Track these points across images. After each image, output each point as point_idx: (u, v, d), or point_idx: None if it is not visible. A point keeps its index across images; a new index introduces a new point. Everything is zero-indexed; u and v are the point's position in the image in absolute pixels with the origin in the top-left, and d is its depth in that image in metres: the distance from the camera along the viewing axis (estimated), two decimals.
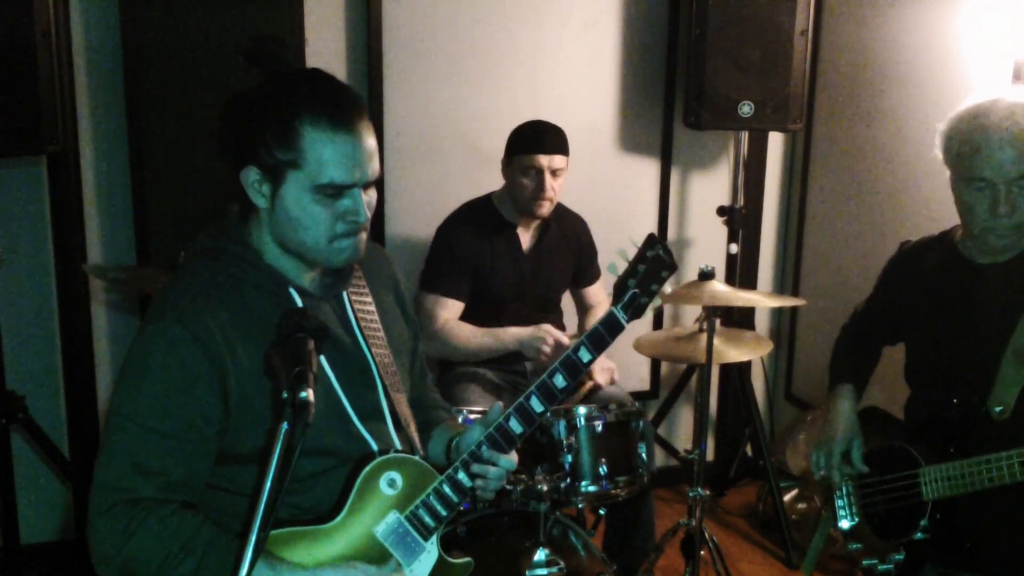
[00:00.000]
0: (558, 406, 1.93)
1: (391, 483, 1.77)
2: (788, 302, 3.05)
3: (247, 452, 1.70)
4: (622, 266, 1.86)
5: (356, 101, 1.69)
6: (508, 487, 2.50)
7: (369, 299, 1.90)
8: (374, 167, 1.70)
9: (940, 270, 2.27)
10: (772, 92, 3.53)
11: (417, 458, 1.83)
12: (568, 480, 2.65)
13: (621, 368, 3.30)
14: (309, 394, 1.44)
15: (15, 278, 3.30)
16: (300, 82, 1.71)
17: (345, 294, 1.85)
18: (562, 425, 2.66)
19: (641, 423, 2.83)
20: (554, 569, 2.39)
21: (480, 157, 3.64)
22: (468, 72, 3.66)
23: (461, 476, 1.81)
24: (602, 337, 1.84)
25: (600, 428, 2.73)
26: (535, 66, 3.74)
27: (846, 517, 2.39)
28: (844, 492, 2.40)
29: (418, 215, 3.63)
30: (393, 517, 1.77)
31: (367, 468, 1.75)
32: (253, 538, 1.39)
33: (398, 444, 1.86)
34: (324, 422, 1.72)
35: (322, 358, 1.74)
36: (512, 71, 3.71)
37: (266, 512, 1.38)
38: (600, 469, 2.69)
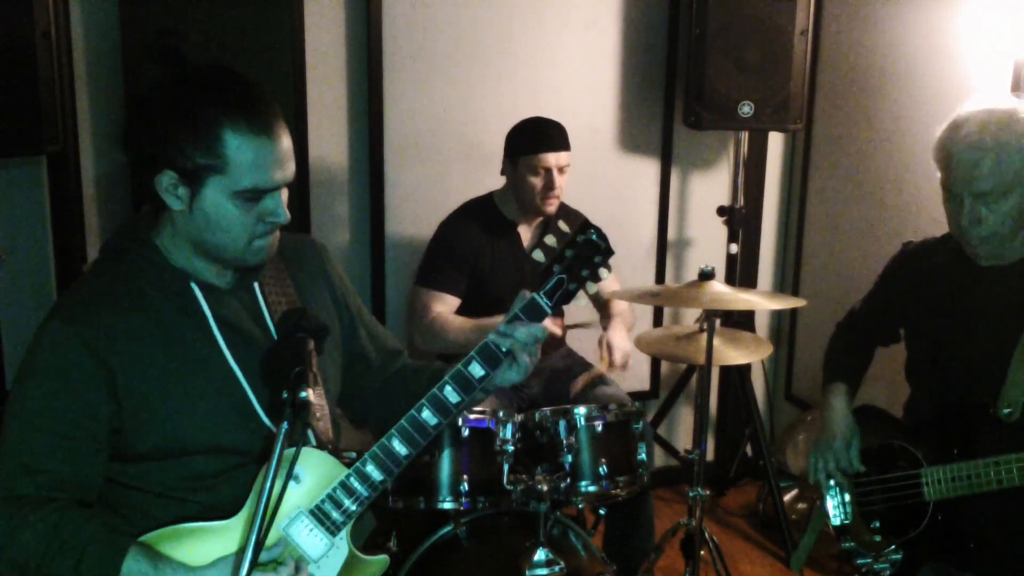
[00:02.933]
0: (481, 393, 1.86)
1: (294, 478, 1.71)
2: (788, 303, 3.04)
3: (149, 450, 1.71)
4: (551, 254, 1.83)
5: (270, 102, 1.70)
6: (508, 487, 2.50)
7: (290, 290, 1.88)
8: (292, 168, 1.72)
9: (945, 271, 2.27)
10: (772, 92, 3.53)
11: (322, 452, 1.75)
12: (568, 480, 2.65)
13: None
14: (309, 394, 1.44)
15: (15, 278, 3.30)
16: (214, 84, 1.70)
17: (257, 285, 1.83)
18: (562, 425, 2.65)
19: (641, 423, 2.83)
20: (554, 569, 2.38)
21: (480, 157, 3.64)
22: (468, 72, 3.66)
23: (369, 468, 1.75)
24: (520, 320, 1.80)
25: (600, 428, 2.73)
26: (535, 66, 3.74)
27: (839, 515, 2.39)
28: (837, 490, 2.40)
29: (417, 214, 3.63)
30: (296, 512, 1.73)
31: (267, 464, 1.71)
32: (253, 537, 1.39)
33: (312, 439, 1.79)
34: (225, 418, 1.72)
35: (226, 351, 1.74)
36: (512, 71, 3.71)
37: (265, 512, 1.38)
38: (600, 469, 2.68)
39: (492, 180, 3.31)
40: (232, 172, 1.64)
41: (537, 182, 3.09)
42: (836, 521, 2.39)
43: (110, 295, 1.72)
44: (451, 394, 1.79)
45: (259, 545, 1.40)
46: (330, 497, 1.74)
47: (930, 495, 2.19)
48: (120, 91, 3.28)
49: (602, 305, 3.47)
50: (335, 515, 1.74)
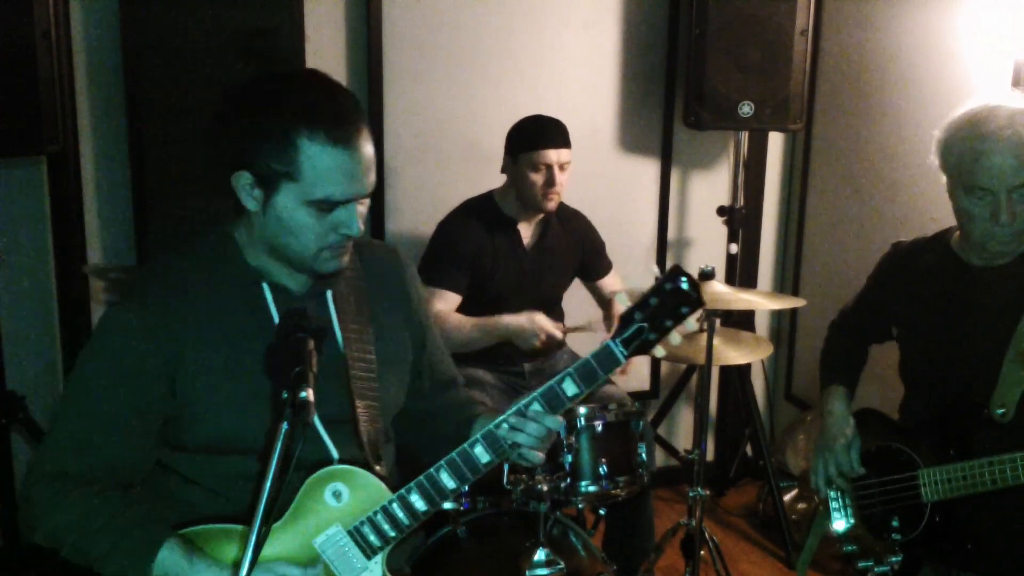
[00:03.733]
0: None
1: (336, 495, 1.70)
2: (788, 303, 3.04)
3: (198, 443, 1.71)
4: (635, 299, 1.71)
5: (355, 111, 1.66)
6: (508, 487, 2.50)
7: (364, 301, 1.86)
8: (371, 180, 1.67)
9: (936, 272, 2.26)
10: (772, 92, 3.53)
11: (368, 473, 1.72)
12: (568, 480, 2.65)
13: None
14: (309, 394, 1.44)
15: (15, 278, 3.30)
16: (298, 89, 1.67)
17: (329, 294, 1.81)
18: (562, 425, 2.65)
19: (641, 423, 2.83)
20: (554, 569, 2.39)
21: (480, 155, 3.64)
22: (468, 72, 3.66)
23: (414, 498, 1.71)
24: (593, 371, 1.69)
25: (600, 428, 2.73)
26: (535, 66, 3.74)
27: (841, 518, 2.39)
28: (839, 493, 2.40)
29: (418, 214, 3.63)
30: (335, 530, 1.70)
31: (312, 476, 1.69)
32: (253, 537, 1.40)
33: (365, 457, 1.77)
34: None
35: None
36: (512, 71, 3.71)
37: (265, 512, 1.38)
38: (600, 469, 2.69)
39: (492, 179, 3.31)
40: (306, 181, 1.61)
41: (538, 179, 3.10)
42: (838, 524, 2.39)
43: (179, 284, 1.72)
44: (482, 454, 1.72)
45: (258, 546, 1.40)
46: (370, 520, 1.70)
47: (928, 496, 2.18)
48: (120, 91, 3.28)
49: (606, 304, 3.48)
50: (373, 539, 1.71)
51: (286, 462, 1.42)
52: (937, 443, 2.20)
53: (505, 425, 1.71)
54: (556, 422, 1.73)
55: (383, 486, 1.71)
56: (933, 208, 3.27)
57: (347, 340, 1.80)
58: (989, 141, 2.03)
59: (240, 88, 1.69)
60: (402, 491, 1.71)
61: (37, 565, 3.42)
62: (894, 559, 2.25)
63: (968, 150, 2.06)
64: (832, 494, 2.39)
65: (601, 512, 3.13)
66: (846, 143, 3.83)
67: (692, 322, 1.68)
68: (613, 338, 1.69)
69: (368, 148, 1.66)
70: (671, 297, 1.66)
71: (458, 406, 2.03)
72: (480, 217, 3.21)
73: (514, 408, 1.71)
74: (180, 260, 1.77)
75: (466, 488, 1.76)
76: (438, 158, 3.68)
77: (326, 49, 3.45)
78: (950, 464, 2.14)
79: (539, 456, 1.78)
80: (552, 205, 3.14)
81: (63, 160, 3.21)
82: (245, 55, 3.34)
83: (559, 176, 3.10)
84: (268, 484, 1.39)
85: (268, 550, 1.65)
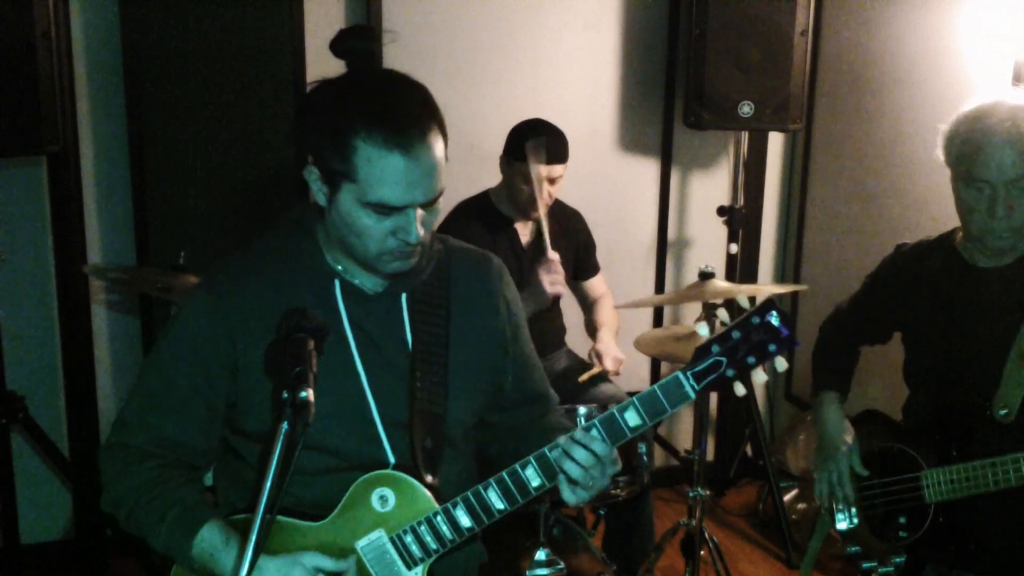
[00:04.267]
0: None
1: (382, 499, 1.69)
2: (789, 288, 2.96)
3: (252, 431, 1.71)
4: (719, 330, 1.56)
5: (420, 113, 1.62)
6: None
7: (442, 306, 1.81)
8: (432, 186, 1.62)
9: (941, 273, 2.26)
10: (772, 92, 3.53)
11: (416, 482, 1.69)
12: None
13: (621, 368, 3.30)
14: (309, 394, 1.44)
15: (15, 278, 3.30)
16: (364, 88, 1.65)
17: (404, 297, 1.77)
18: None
19: None
20: (554, 569, 2.39)
21: (480, 157, 3.63)
22: (468, 72, 3.66)
23: (459, 512, 1.68)
24: (659, 403, 1.58)
25: None
26: (535, 66, 3.74)
27: (844, 519, 2.38)
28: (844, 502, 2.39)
29: None
30: (377, 534, 1.69)
31: (361, 478, 1.69)
32: (253, 537, 1.39)
33: (417, 465, 1.74)
34: (338, 419, 1.69)
35: (355, 354, 1.71)
36: (512, 71, 3.71)
37: (265, 511, 1.38)
38: None
39: (492, 179, 3.31)
40: (362, 182, 1.59)
41: (526, 189, 3.10)
42: (842, 526, 2.39)
43: (256, 273, 1.73)
44: (533, 477, 1.65)
45: (258, 547, 1.39)
46: (413, 530, 1.68)
47: (930, 497, 2.18)
48: (120, 91, 3.29)
49: (588, 307, 3.48)
50: (414, 549, 1.69)
51: (286, 463, 1.41)
52: (939, 444, 2.20)
53: (559, 448, 1.63)
54: (604, 448, 1.62)
55: (430, 497, 1.69)
56: (933, 208, 3.27)
57: (417, 344, 1.76)
58: (989, 134, 2.05)
59: (318, 82, 1.69)
60: (448, 504, 1.68)
61: (37, 565, 3.43)
62: (897, 560, 2.25)
63: (968, 142, 2.08)
64: (837, 498, 2.38)
65: (601, 512, 3.13)
66: (846, 143, 3.83)
67: (782, 362, 1.55)
68: (685, 370, 1.57)
69: (431, 154, 1.60)
70: (758, 332, 1.53)
71: (546, 428, 1.90)
72: (477, 217, 3.21)
73: (572, 432, 1.64)
74: (263, 248, 1.78)
75: (511, 509, 1.67)
76: None
77: (326, 49, 3.43)
78: (953, 465, 2.14)
79: (576, 494, 1.66)
80: (538, 214, 3.14)
81: (63, 160, 3.21)
82: (244, 55, 3.35)
83: (547, 188, 3.09)
84: (268, 484, 1.39)
85: (308, 542, 1.68)
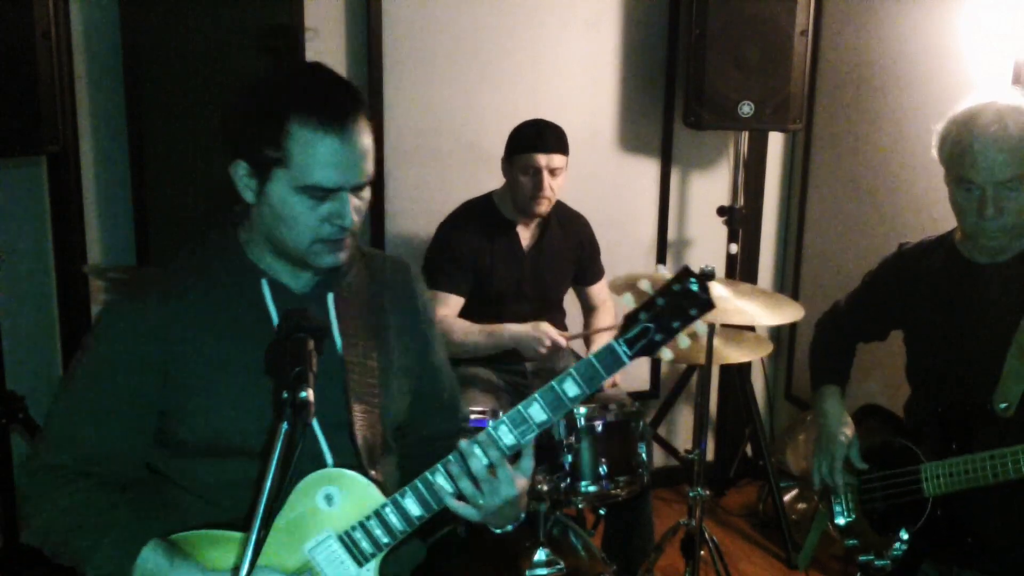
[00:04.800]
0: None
1: (328, 499, 1.65)
2: (787, 315, 2.87)
3: (190, 441, 1.68)
4: (641, 299, 1.65)
5: (351, 99, 1.64)
6: None
7: (366, 308, 1.83)
8: (365, 169, 1.65)
9: (941, 271, 2.28)
10: (772, 92, 3.53)
11: (361, 476, 1.67)
12: (568, 480, 2.66)
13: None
14: (309, 394, 1.44)
15: (15, 278, 3.30)
16: (295, 77, 1.68)
17: (331, 296, 1.78)
18: (562, 425, 2.66)
19: (641, 423, 2.83)
20: (554, 569, 2.39)
21: (480, 157, 3.64)
22: (468, 72, 3.66)
23: (407, 502, 1.65)
24: (595, 371, 1.65)
25: (600, 428, 2.73)
26: (535, 66, 3.74)
27: (842, 513, 2.39)
28: (841, 492, 2.40)
29: (418, 215, 3.63)
30: (326, 535, 1.65)
31: (305, 479, 1.65)
32: (253, 536, 1.39)
33: (360, 461, 1.73)
34: (270, 422, 1.64)
35: None
36: (512, 71, 3.71)
37: (265, 512, 1.38)
38: (600, 469, 2.69)
39: (492, 180, 3.31)
40: (296, 166, 1.60)
41: (527, 182, 3.09)
42: (839, 519, 2.39)
43: (179, 278, 1.72)
44: (505, 434, 1.68)
45: (258, 546, 1.39)
46: (362, 525, 1.65)
47: (929, 491, 2.19)
48: (120, 91, 3.28)
49: (588, 312, 3.48)
50: (365, 545, 1.66)
51: (286, 463, 1.41)
52: (939, 439, 2.21)
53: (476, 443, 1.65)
54: (481, 463, 1.65)
55: (376, 490, 1.67)
56: (933, 207, 3.27)
57: (346, 344, 1.77)
58: (978, 135, 2.06)
59: (248, 82, 1.70)
60: (396, 495, 1.66)
61: (37, 565, 3.42)
62: (895, 553, 2.25)
63: (959, 143, 2.10)
64: (835, 491, 2.39)
65: (601, 512, 3.13)
66: (846, 143, 3.83)
67: (701, 325, 1.65)
68: (617, 338, 1.66)
69: (363, 138, 1.64)
70: (679, 298, 1.64)
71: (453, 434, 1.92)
72: (479, 218, 3.21)
73: (512, 411, 1.66)
74: (183, 256, 1.77)
75: (458, 493, 1.66)
76: (438, 159, 3.67)
77: (326, 50, 3.45)
78: (952, 458, 2.15)
79: (468, 509, 1.67)
80: (540, 209, 3.13)
81: (63, 160, 3.21)
82: (245, 55, 3.34)
83: (548, 180, 3.08)
84: (268, 485, 1.39)
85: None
